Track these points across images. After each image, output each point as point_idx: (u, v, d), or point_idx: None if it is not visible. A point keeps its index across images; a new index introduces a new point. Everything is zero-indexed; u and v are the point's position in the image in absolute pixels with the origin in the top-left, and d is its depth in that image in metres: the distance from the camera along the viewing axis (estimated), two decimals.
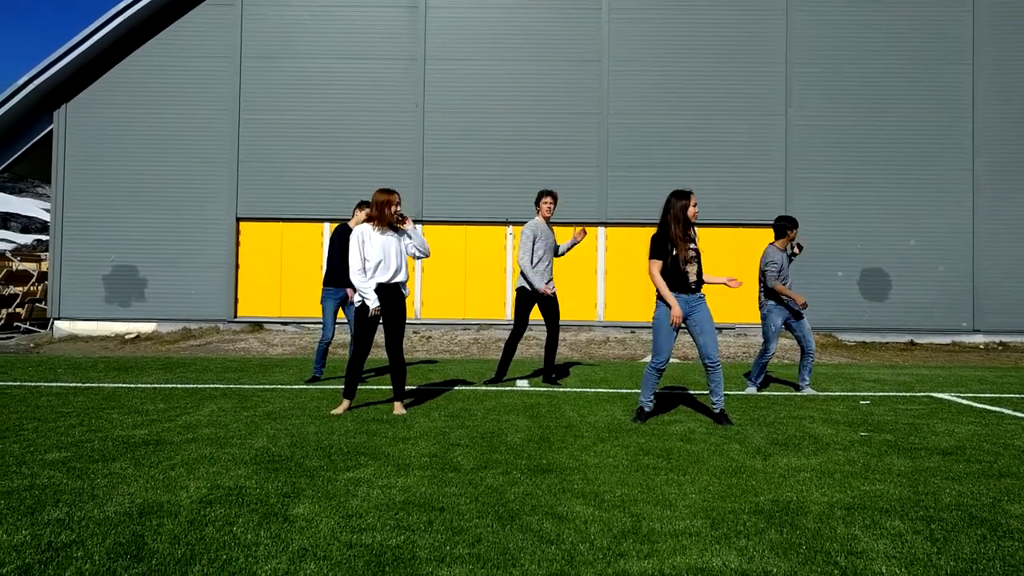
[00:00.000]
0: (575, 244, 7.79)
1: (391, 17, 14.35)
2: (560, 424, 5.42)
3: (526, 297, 7.50)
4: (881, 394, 7.31)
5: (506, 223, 14.07)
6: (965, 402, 6.81)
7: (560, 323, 7.67)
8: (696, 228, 5.56)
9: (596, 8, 14.29)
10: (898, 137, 14.11)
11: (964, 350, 13.19)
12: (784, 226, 7.26)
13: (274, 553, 2.79)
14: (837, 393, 7.33)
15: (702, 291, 5.54)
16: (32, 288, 16.47)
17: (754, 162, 14.14)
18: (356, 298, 5.81)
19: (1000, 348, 13.46)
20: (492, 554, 2.80)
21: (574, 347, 12.18)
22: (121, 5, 13.63)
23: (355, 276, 5.76)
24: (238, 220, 14.20)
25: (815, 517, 3.29)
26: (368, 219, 5.87)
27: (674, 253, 5.44)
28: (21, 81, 13.53)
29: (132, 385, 7.37)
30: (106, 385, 7.34)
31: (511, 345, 7.63)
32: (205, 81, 14.25)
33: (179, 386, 7.30)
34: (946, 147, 14.12)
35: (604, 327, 13.95)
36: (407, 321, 13.96)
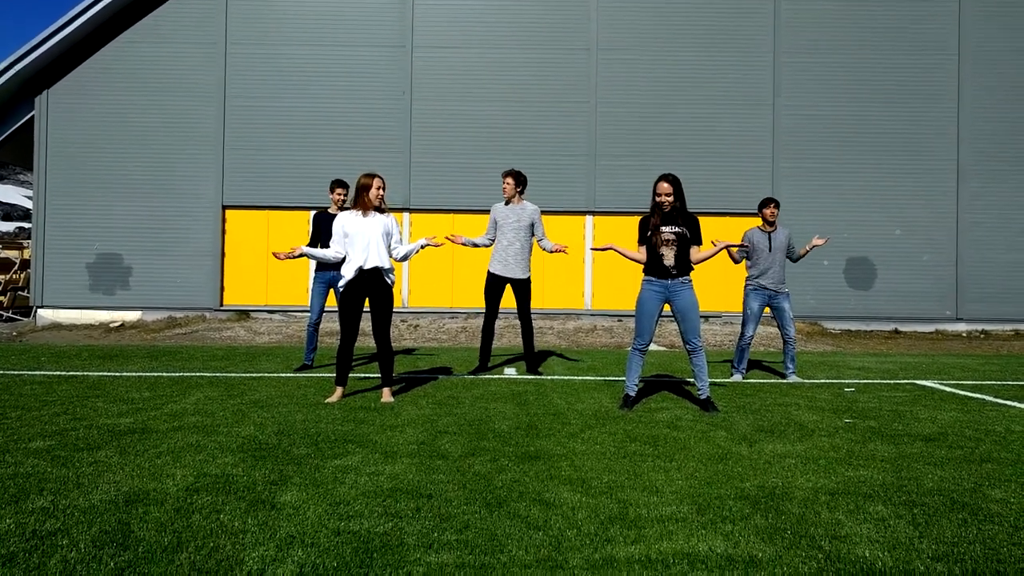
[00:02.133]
0: (557, 251, 7.46)
1: (379, 4, 14.23)
2: (548, 411, 5.43)
3: (493, 281, 7.40)
4: (865, 381, 7.38)
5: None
6: (948, 389, 6.89)
7: (532, 311, 7.55)
8: (681, 213, 5.45)
9: None
10: (884, 127, 14.19)
11: (947, 338, 13.33)
12: (759, 205, 7.38)
13: (261, 540, 2.79)
14: (822, 380, 7.39)
15: (688, 276, 5.50)
16: (14, 276, 16.28)
17: (742, 151, 14.18)
18: (340, 283, 5.78)
19: (982, 336, 13.62)
20: (480, 540, 2.81)
21: (562, 335, 12.21)
22: None
23: (318, 250, 5.88)
24: (224, 208, 14.09)
25: (800, 502, 3.32)
26: (353, 204, 5.82)
27: (648, 235, 5.46)
28: (1, 66, 13.31)
29: (117, 374, 7.31)
30: (91, 374, 7.29)
31: (485, 331, 7.52)
32: (190, 67, 14.09)
33: (165, 374, 7.26)
34: (931, 137, 14.21)
35: (592, 315, 13.98)
36: (395, 309, 13.96)
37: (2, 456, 3.98)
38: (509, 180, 7.56)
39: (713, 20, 14.25)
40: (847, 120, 14.20)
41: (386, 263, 5.77)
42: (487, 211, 14.04)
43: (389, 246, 5.85)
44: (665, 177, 5.46)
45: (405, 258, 5.87)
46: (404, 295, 14.14)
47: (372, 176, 5.75)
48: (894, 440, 4.63)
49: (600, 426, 4.92)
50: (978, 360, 9.80)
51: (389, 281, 5.82)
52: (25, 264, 16.43)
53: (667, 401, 5.97)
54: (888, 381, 7.43)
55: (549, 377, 7.37)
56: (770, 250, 7.25)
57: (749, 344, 7.33)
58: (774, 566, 2.62)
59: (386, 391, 5.87)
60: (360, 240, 5.68)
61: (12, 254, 17.35)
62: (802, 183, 14.17)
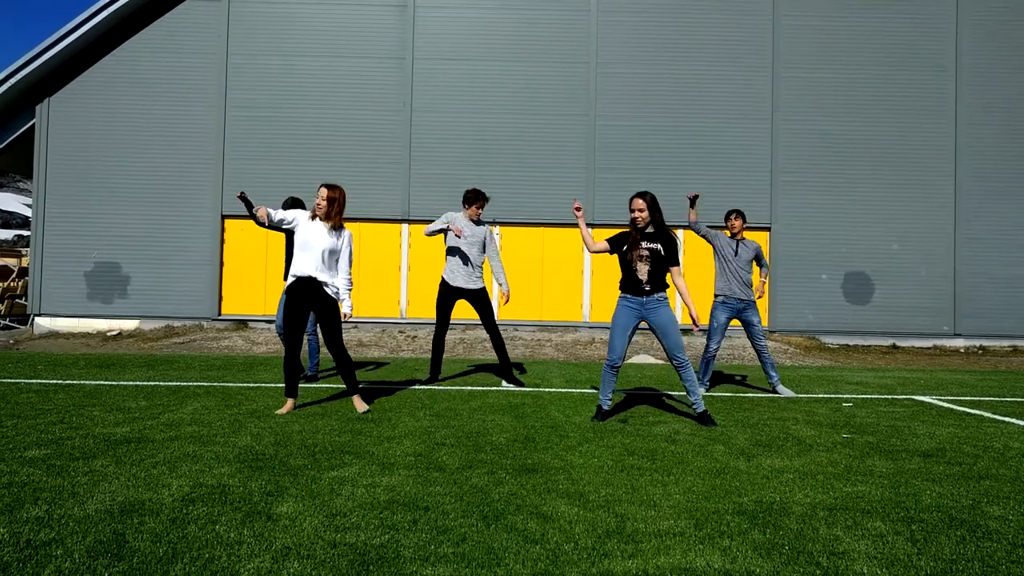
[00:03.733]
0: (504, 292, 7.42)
1: (379, 16, 14.31)
2: (545, 424, 5.42)
3: (445, 291, 7.40)
4: (863, 396, 7.37)
5: (492, 223, 14.06)
6: (946, 405, 6.88)
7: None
8: (657, 230, 5.46)
9: (585, 10, 14.33)
10: (882, 142, 14.26)
11: (945, 353, 13.34)
12: (725, 216, 7.41)
13: (257, 552, 2.77)
14: (820, 395, 7.38)
15: (664, 293, 5.48)
16: (12, 284, 16.26)
17: (740, 165, 14.24)
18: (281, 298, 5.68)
19: (980, 352, 13.62)
20: (477, 553, 2.79)
21: (560, 348, 12.20)
22: None
23: (279, 221, 5.72)
24: (223, 217, 14.11)
25: (798, 518, 3.31)
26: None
27: (624, 250, 5.49)
28: (3, 75, 13.36)
29: (114, 382, 7.29)
30: (87, 382, 7.27)
31: (435, 342, 7.49)
32: (191, 77, 14.15)
33: (162, 384, 7.24)
34: (929, 152, 14.28)
35: (590, 328, 13.98)
36: (394, 320, 13.95)
37: None
38: (481, 204, 7.55)
39: (712, 35, 14.34)
40: (845, 135, 14.27)
41: (328, 278, 5.62)
42: (486, 222, 14.05)
43: (337, 262, 5.68)
44: (640, 194, 5.50)
45: (340, 290, 5.69)
46: (403, 306, 14.14)
47: (321, 186, 5.62)
48: (892, 456, 4.62)
49: (598, 439, 4.91)
50: (976, 376, 9.80)
51: (331, 292, 5.65)
52: (23, 272, 16.41)
53: (665, 415, 5.96)
54: (886, 396, 7.43)
55: (547, 390, 7.36)
56: (736, 254, 7.16)
57: (714, 357, 7.26)
58: None
59: (356, 399, 5.80)
60: (309, 248, 5.57)
61: (10, 262, 17.33)
62: (800, 197, 14.22)
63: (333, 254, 5.65)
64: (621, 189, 13.95)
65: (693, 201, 7.17)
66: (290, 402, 5.78)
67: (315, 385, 7.32)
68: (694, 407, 5.55)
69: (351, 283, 5.75)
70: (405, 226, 14.25)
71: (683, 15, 14.35)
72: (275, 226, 5.77)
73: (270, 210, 5.71)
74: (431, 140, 14.20)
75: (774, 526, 3.19)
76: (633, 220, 5.48)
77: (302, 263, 5.60)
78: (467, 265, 7.38)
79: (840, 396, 7.36)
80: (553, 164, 14.13)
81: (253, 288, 14.09)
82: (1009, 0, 14.38)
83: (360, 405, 5.78)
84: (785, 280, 14.17)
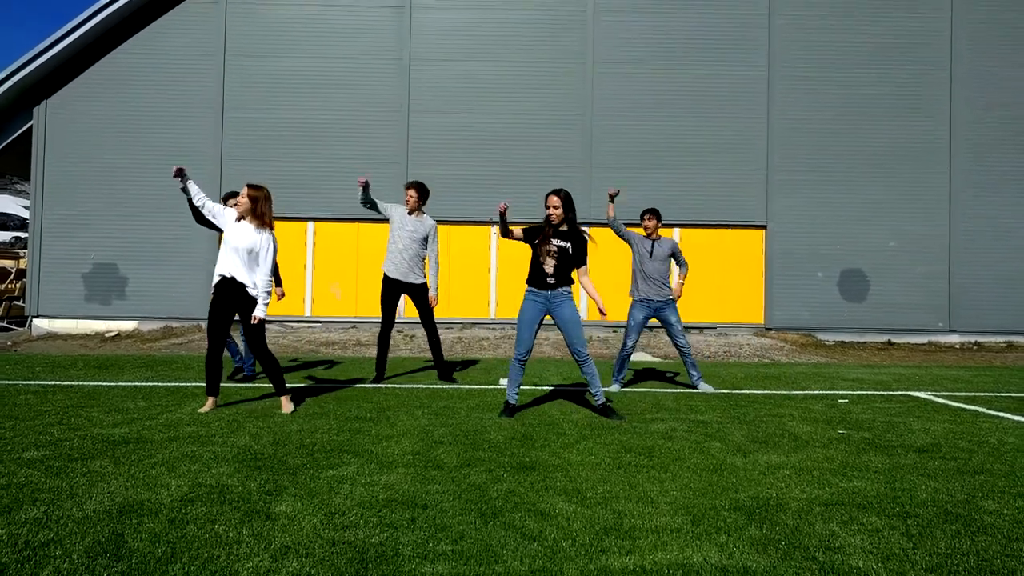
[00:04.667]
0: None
1: (377, 18, 14.31)
2: (543, 422, 5.44)
3: (387, 285, 7.43)
4: (859, 393, 7.40)
5: (490, 223, 14.08)
6: (941, 401, 6.91)
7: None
8: (570, 228, 5.59)
9: (582, 10, 14.34)
10: (878, 140, 14.29)
11: (940, 350, 13.38)
12: (641, 214, 7.30)
13: (256, 551, 2.78)
14: (816, 392, 7.41)
15: (569, 288, 5.62)
16: (10, 286, 16.24)
17: (736, 164, 14.26)
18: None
19: (975, 348, 13.67)
20: (475, 551, 2.81)
21: (557, 346, 12.22)
22: (104, 0, 13.49)
23: (197, 198, 5.70)
24: None
25: (794, 513, 3.33)
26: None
27: (536, 243, 5.60)
28: (0, 76, 13.34)
29: (112, 383, 7.29)
30: (85, 383, 7.27)
31: (380, 339, 7.48)
32: (188, 79, 14.14)
33: (160, 384, 7.24)
34: (924, 150, 14.32)
35: (586, 326, 13.98)
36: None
37: None
38: (412, 192, 7.57)
39: (708, 35, 14.36)
40: (841, 133, 14.30)
41: (249, 280, 5.58)
42: (485, 222, 14.09)
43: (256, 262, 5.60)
44: (556, 192, 5.62)
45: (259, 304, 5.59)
46: (400, 306, 14.13)
47: (252, 187, 5.56)
48: (888, 451, 4.65)
49: (595, 437, 4.93)
50: (971, 372, 9.83)
51: (250, 293, 5.60)
52: (21, 274, 16.39)
53: (662, 412, 5.98)
54: (882, 392, 7.46)
55: (544, 387, 7.38)
56: (651, 256, 7.15)
57: (629, 355, 7.27)
58: None
59: (283, 400, 5.74)
60: (229, 245, 5.53)
61: (8, 263, 17.30)
62: (796, 195, 14.25)
63: (252, 254, 5.55)
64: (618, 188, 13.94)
65: (612, 197, 7.13)
66: (211, 400, 5.75)
67: (315, 385, 7.33)
68: (595, 400, 5.67)
69: (269, 286, 5.57)
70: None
71: (680, 15, 14.36)
72: (200, 218, 5.70)
73: (199, 191, 5.68)
74: (428, 141, 14.20)
75: (771, 522, 3.21)
76: (548, 216, 5.60)
77: (224, 263, 5.58)
78: (406, 260, 7.40)
79: (836, 392, 7.39)
80: (551, 164, 14.14)
81: None
82: None
83: (286, 407, 5.70)
84: (781, 278, 14.20)
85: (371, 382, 7.45)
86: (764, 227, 14.28)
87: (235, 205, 5.58)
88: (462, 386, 7.42)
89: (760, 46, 14.37)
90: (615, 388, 7.28)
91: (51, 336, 13.53)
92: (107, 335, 13.45)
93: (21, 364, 9.12)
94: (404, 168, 14.17)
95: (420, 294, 7.45)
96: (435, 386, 7.38)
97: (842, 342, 13.86)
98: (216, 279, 5.65)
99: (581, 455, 4.40)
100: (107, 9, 13.54)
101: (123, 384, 7.28)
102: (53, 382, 7.37)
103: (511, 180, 14.10)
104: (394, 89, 14.25)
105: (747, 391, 7.37)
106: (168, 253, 13.97)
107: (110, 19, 13.76)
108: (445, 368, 7.70)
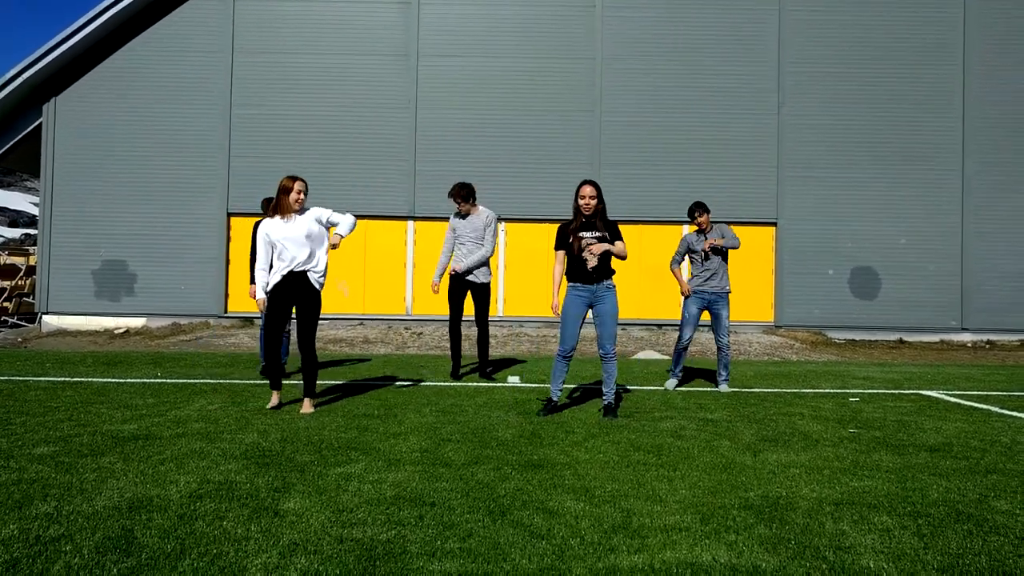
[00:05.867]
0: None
1: (384, 13, 14.31)
2: (551, 420, 5.43)
3: (453, 282, 7.61)
4: (870, 391, 7.35)
5: (498, 219, 14.04)
6: (953, 400, 6.86)
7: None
8: (601, 218, 5.56)
9: (590, 6, 14.30)
10: (889, 137, 14.19)
11: (952, 348, 13.29)
12: (690, 211, 7.25)
13: (264, 547, 2.78)
14: (827, 390, 7.37)
15: (611, 280, 5.57)
16: (20, 282, 16.35)
17: (747, 160, 14.19)
18: (268, 286, 5.60)
19: (987, 346, 13.57)
20: (483, 548, 2.80)
21: None
22: None
23: (257, 272, 5.63)
24: (229, 215, 14.14)
25: (804, 512, 3.31)
26: (272, 211, 5.60)
27: (571, 242, 5.54)
28: (10, 74, 13.41)
29: (121, 380, 7.33)
30: (95, 380, 7.30)
31: (451, 334, 7.73)
32: (196, 75, 14.18)
33: (169, 381, 7.27)
34: (936, 147, 14.21)
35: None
36: (400, 317, 13.97)
37: (6, 462, 3.99)
38: (455, 197, 7.69)
39: (718, 30, 14.28)
40: (852, 130, 14.21)
41: (315, 265, 5.59)
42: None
43: (323, 242, 5.62)
44: (589, 182, 5.61)
45: (350, 230, 5.63)
46: (408, 303, 14.17)
47: (293, 179, 5.55)
48: (899, 450, 4.61)
49: (604, 435, 4.91)
50: (983, 370, 9.76)
51: (316, 284, 5.61)
52: (31, 270, 16.49)
53: (671, 410, 5.96)
54: (893, 391, 7.41)
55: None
56: (707, 255, 7.14)
57: (686, 348, 7.26)
58: None
59: (306, 402, 5.67)
60: (288, 245, 5.51)
61: (18, 260, 17.41)
62: (807, 192, 14.17)
63: (311, 237, 5.55)
64: (627, 185, 13.92)
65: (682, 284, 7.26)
66: (276, 395, 5.77)
67: (322, 382, 7.34)
68: (603, 398, 5.63)
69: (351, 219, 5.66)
70: (410, 223, 14.26)
71: (689, 10, 14.29)
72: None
73: (258, 281, 5.66)
74: (436, 137, 14.20)
75: (780, 521, 3.19)
76: (578, 207, 5.56)
77: (287, 261, 5.51)
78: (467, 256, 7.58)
79: (847, 391, 7.35)
80: (559, 160, 14.11)
81: None
82: None
83: (308, 408, 5.63)
84: (791, 275, 14.13)
85: (451, 375, 7.78)
86: (775, 224, 14.21)
87: (297, 200, 5.54)
88: (469, 384, 7.42)
89: (771, 41, 14.29)
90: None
91: (61, 332, 13.61)
92: (116, 332, 13.52)
93: (31, 360, 9.18)
94: (412, 164, 14.17)
95: (481, 293, 7.56)
96: (442, 383, 7.38)
97: (853, 340, 13.78)
98: (274, 281, 5.56)
99: (590, 453, 4.39)
100: (116, 6, 13.59)
101: (132, 381, 7.31)
102: (63, 378, 7.41)
103: (519, 175, 14.08)
104: (401, 85, 14.24)
105: (757, 389, 7.33)
106: (177, 249, 14.02)
107: (119, 16, 13.81)
108: (486, 367, 7.81)
